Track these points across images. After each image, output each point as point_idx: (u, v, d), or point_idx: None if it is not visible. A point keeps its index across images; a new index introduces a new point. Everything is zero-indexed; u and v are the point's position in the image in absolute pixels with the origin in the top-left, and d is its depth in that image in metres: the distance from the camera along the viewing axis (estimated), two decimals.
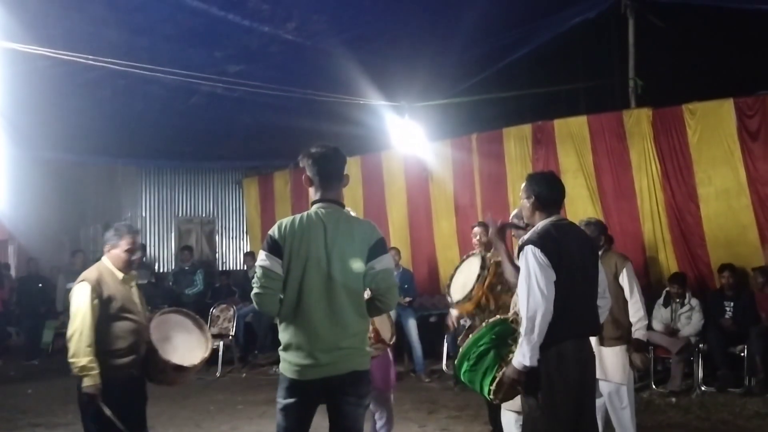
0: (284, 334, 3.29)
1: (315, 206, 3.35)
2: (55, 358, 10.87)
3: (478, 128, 10.27)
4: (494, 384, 3.57)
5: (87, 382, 4.02)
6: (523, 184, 3.77)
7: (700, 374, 7.51)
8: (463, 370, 3.75)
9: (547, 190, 3.70)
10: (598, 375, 5.18)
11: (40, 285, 11.10)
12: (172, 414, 7.29)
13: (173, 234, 13.73)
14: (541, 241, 3.50)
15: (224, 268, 13.37)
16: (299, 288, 3.20)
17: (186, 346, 4.29)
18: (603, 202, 8.87)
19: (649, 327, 7.90)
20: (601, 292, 3.72)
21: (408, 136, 9.38)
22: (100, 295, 4.10)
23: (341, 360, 3.23)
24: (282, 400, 3.28)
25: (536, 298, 3.41)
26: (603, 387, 5.23)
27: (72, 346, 4.04)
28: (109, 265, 4.27)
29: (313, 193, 3.40)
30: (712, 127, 8.00)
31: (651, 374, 7.78)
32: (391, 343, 4.66)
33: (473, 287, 4.58)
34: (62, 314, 10.71)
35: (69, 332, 4.06)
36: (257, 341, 10.46)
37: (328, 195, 3.37)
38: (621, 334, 5.21)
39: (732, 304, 7.70)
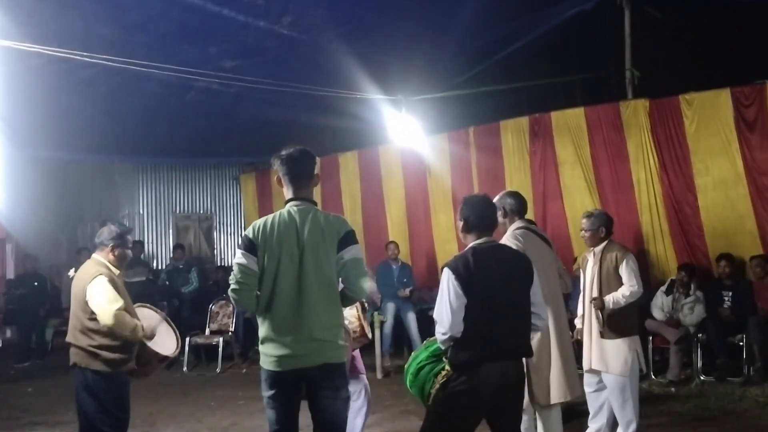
0: (261, 328, 3.49)
1: (288, 205, 3.55)
2: (55, 357, 10.88)
3: (475, 121, 10.26)
4: (431, 400, 3.73)
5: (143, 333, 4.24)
6: (459, 207, 3.87)
7: (699, 364, 7.53)
8: (407, 382, 3.95)
9: (475, 214, 3.77)
10: (599, 367, 5.19)
11: (36, 284, 11.00)
12: (173, 410, 7.30)
13: (171, 231, 13.72)
14: (455, 265, 3.61)
15: (222, 264, 13.36)
16: (273, 283, 3.40)
17: (161, 337, 4.51)
18: (601, 194, 8.87)
19: (649, 316, 7.97)
20: (534, 311, 3.73)
21: (405, 130, 9.36)
22: (117, 290, 4.24)
23: (314, 352, 3.39)
24: (265, 393, 3.47)
25: (442, 321, 3.56)
26: (606, 379, 5.24)
27: (120, 326, 4.13)
28: (105, 261, 4.41)
29: (285, 193, 3.60)
30: (709, 117, 8.00)
31: (650, 364, 7.80)
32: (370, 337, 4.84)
33: None
34: (67, 311, 10.67)
35: (108, 319, 4.10)
36: (257, 337, 10.45)
37: (300, 194, 3.56)
38: (622, 326, 5.22)
39: (730, 293, 7.72)
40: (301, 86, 7.79)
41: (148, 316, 4.58)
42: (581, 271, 5.66)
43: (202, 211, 14.06)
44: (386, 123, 9.30)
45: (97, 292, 4.15)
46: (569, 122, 9.09)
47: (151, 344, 4.33)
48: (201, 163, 13.56)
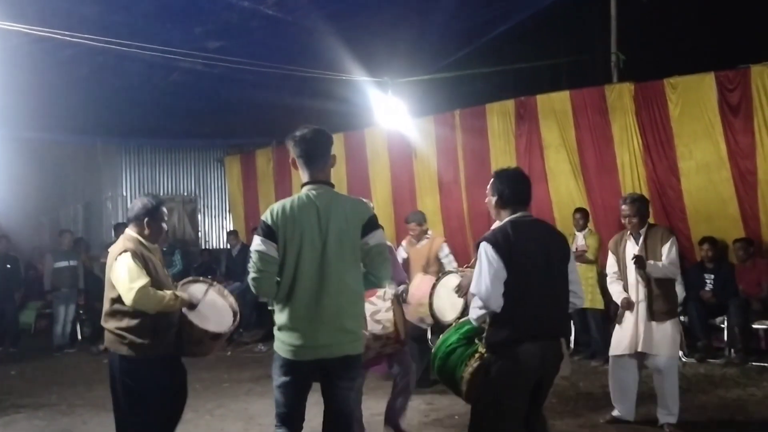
0: (280, 315, 3.34)
1: (305, 188, 3.39)
2: (39, 340, 10.83)
3: (461, 104, 10.25)
4: (464, 384, 3.63)
5: (179, 304, 3.97)
6: (490, 182, 3.74)
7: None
8: (435, 367, 3.83)
9: (509, 189, 3.67)
10: (649, 350, 5.24)
11: (8, 266, 10.57)
12: None
13: None
14: (494, 239, 3.50)
15: (207, 247, 13.31)
16: (294, 270, 3.26)
17: (213, 312, 4.17)
18: (585, 177, 8.92)
19: None
20: (572, 289, 3.64)
21: (391, 113, 9.33)
22: (146, 266, 3.96)
23: (335, 343, 3.29)
24: (277, 378, 3.36)
25: (480, 292, 3.44)
26: (657, 362, 5.29)
27: (144, 303, 3.84)
28: (136, 236, 4.11)
29: (301, 176, 3.44)
30: (693, 101, 8.04)
31: None
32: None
33: (465, 303, 4.59)
34: (49, 293, 10.62)
35: (130, 299, 3.82)
36: (242, 319, 10.42)
37: (317, 176, 3.40)
38: (670, 308, 5.34)
39: (712, 276, 7.81)
40: (286, 67, 7.72)
41: (193, 291, 4.20)
42: (613, 254, 5.63)
43: (186, 193, 13.98)
44: (372, 105, 9.26)
45: (120, 270, 3.89)
46: (554, 105, 9.11)
47: (198, 322, 3.99)
48: (185, 145, 13.47)
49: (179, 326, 4.02)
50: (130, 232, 4.12)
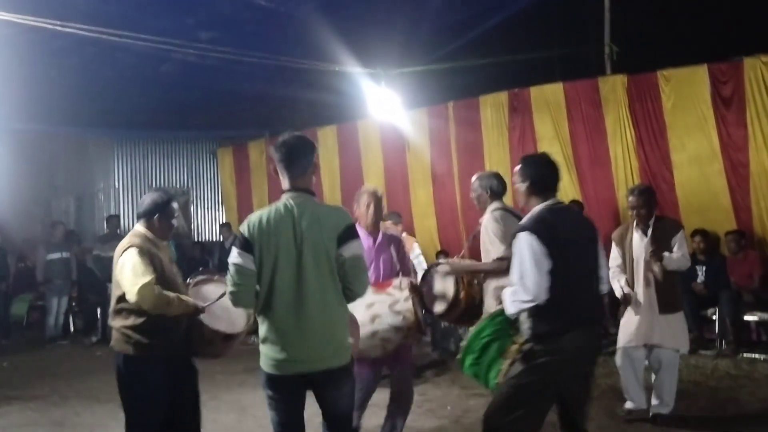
0: (261, 327, 3.29)
1: (284, 196, 3.34)
2: (31, 332, 10.80)
3: (454, 96, 10.23)
4: (500, 376, 3.50)
5: (184, 309, 3.78)
6: (517, 168, 3.63)
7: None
8: (467, 363, 3.68)
9: (542, 174, 3.58)
10: (662, 342, 5.20)
11: None
12: None
13: None
14: (535, 227, 3.40)
15: (200, 239, 13.28)
16: (270, 283, 3.20)
17: (226, 312, 3.95)
18: (578, 170, 8.93)
19: None
20: (603, 277, 3.61)
21: (384, 104, 9.31)
22: (152, 262, 3.82)
23: (317, 357, 3.21)
24: (265, 392, 3.30)
25: (527, 286, 3.34)
26: (662, 354, 5.26)
27: (148, 302, 3.67)
28: (146, 232, 3.97)
29: (282, 182, 3.39)
30: (686, 93, 8.04)
31: None
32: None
33: (456, 293, 4.54)
34: (42, 285, 10.58)
35: (133, 296, 3.66)
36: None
37: (296, 183, 3.35)
38: (677, 300, 5.34)
39: (704, 268, 7.83)
40: (279, 59, 7.70)
41: (206, 293, 4.04)
42: (617, 246, 5.50)
43: (178, 186, 13.92)
44: (365, 97, 9.24)
45: (125, 266, 3.75)
46: (548, 97, 9.11)
47: (209, 322, 3.84)
48: (177, 137, 13.42)
49: (189, 326, 3.89)
50: (139, 227, 4.01)
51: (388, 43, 8.41)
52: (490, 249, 4.56)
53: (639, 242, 5.29)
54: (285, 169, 3.37)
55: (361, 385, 4.48)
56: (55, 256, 10.36)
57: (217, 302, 3.84)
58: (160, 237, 4.02)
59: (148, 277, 3.69)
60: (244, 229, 3.27)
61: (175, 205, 4.11)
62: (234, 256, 3.23)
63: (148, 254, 3.81)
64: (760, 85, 7.60)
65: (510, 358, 3.48)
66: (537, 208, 3.54)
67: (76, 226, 13.15)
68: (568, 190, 8.94)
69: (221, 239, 12.02)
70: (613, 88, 8.55)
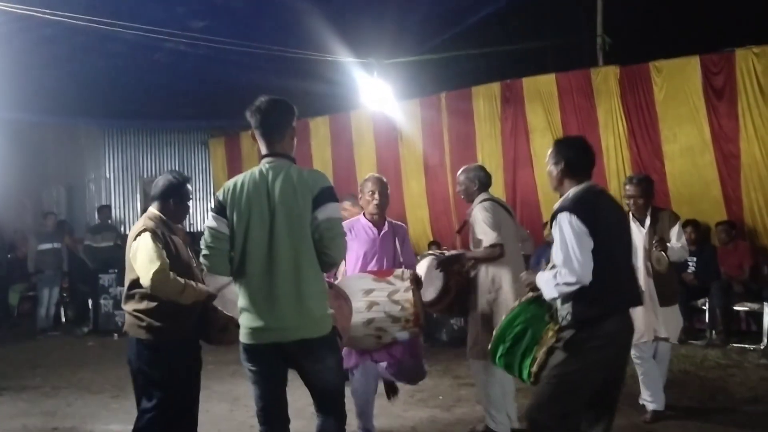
0: (239, 298, 3.22)
1: (261, 162, 3.25)
2: (22, 321, 10.76)
3: (446, 87, 10.23)
4: (535, 365, 3.37)
5: (196, 296, 3.72)
6: (550, 150, 3.56)
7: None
8: (498, 354, 3.53)
9: (578, 156, 3.48)
10: (667, 335, 5.14)
11: None
12: None
13: (139, 195, 13.53)
14: (576, 207, 3.29)
15: (191, 230, 13.24)
16: (243, 247, 3.12)
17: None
18: None
19: None
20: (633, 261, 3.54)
21: (377, 95, 9.29)
22: (166, 246, 3.75)
23: (289, 326, 3.10)
24: (244, 365, 3.23)
25: (572, 267, 3.21)
26: (661, 346, 5.20)
27: (161, 289, 3.60)
28: (160, 216, 3.89)
29: (260, 148, 3.30)
30: (678, 84, 8.07)
31: None
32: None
33: (445, 281, 4.55)
34: (33, 276, 10.54)
35: (147, 281, 3.59)
36: None
37: (274, 149, 3.23)
38: (675, 291, 5.31)
39: (695, 259, 7.87)
40: (271, 48, 7.65)
41: (221, 278, 3.86)
42: None
43: None
44: (358, 87, 9.21)
45: (139, 250, 3.66)
46: (540, 88, 9.11)
47: (222, 308, 3.78)
48: (169, 127, 13.35)
49: (204, 311, 3.84)
50: (153, 210, 3.91)
51: (380, 33, 8.38)
52: (482, 238, 4.60)
53: (637, 233, 5.08)
54: (262, 135, 3.26)
55: (360, 384, 4.43)
56: (46, 246, 10.31)
57: (231, 288, 3.69)
58: (174, 220, 3.95)
59: (161, 263, 3.61)
60: (219, 193, 3.23)
61: (189, 187, 4.03)
62: (209, 220, 3.19)
63: (162, 238, 3.73)
64: (751, 77, 7.63)
65: (546, 346, 3.34)
66: (573, 189, 3.42)
67: (66, 216, 13.09)
68: None
69: None
70: (606, 79, 8.57)
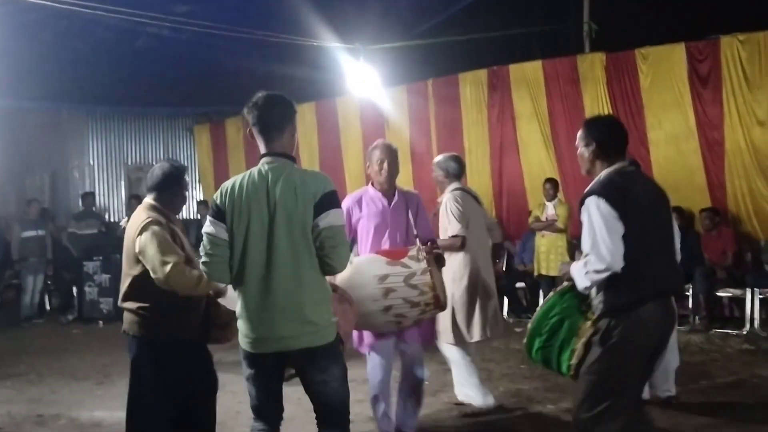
0: (238, 303, 3.08)
1: (260, 162, 3.09)
2: (5, 310, 10.67)
3: (433, 73, 10.20)
4: (574, 358, 3.21)
5: (210, 288, 3.55)
6: (580, 132, 3.40)
7: None
8: (534, 348, 3.35)
9: (610, 136, 3.33)
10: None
11: None
12: (128, 362, 7.21)
13: (123, 182, 13.43)
14: (605, 191, 3.13)
15: (177, 217, 13.18)
16: (243, 254, 2.98)
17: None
18: (556, 148, 8.97)
19: None
20: (677, 246, 3.39)
21: (364, 81, 9.25)
22: (172, 238, 3.58)
23: (291, 335, 2.97)
24: (244, 370, 3.12)
25: (601, 254, 3.05)
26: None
27: (179, 283, 3.44)
28: (158, 205, 3.71)
29: (259, 147, 3.13)
30: (664, 71, 8.10)
31: None
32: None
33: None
34: (17, 263, 10.45)
35: (163, 275, 3.42)
36: None
37: (273, 148, 3.08)
38: None
39: (679, 245, 7.90)
40: (257, 33, 7.59)
41: None
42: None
43: (155, 163, 13.66)
44: (344, 73, 9.17)
45: (148, 244, 3.48)
46: (527, 75, 9.12)
47: (225, 303, 3.62)
48: (153, 114, 13.24)
49: (206, 307, 3.70)
50: (150, 201, 3.72)
51: (367, 18, 8.33)
52: (448, 227, 4.68)
53: None
54: (259, 132, 3.09)
55: (377, 362, 4.22)
56: (30, 233, 10.22)
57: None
58: (172, 211, 3.76)
59: (177, 257, 3.48)
60: (216, 196, 3.06)
61: (187, 178, 3.92)
62: (207, 225, 3.03)
63: (168, 230, 3.59)
64: (736, 64, 7.68)
65: (584, 337, 3.19)
66: (604, 172, 3.26)
67: (50, 203, 12.98)
68: (545, 167, 8.99)
69: (198, 217, 11.94)
70: (592, 66, 8.58)
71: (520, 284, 8.98)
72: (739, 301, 7.65)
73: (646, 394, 4.84)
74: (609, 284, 3.10)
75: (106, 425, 5.15)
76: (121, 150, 13.49)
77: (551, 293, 3.46)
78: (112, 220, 12.81)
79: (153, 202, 3.72)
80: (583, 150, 3.36)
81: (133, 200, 11.33)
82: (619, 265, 3.05)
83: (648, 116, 8.25)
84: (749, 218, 7.81)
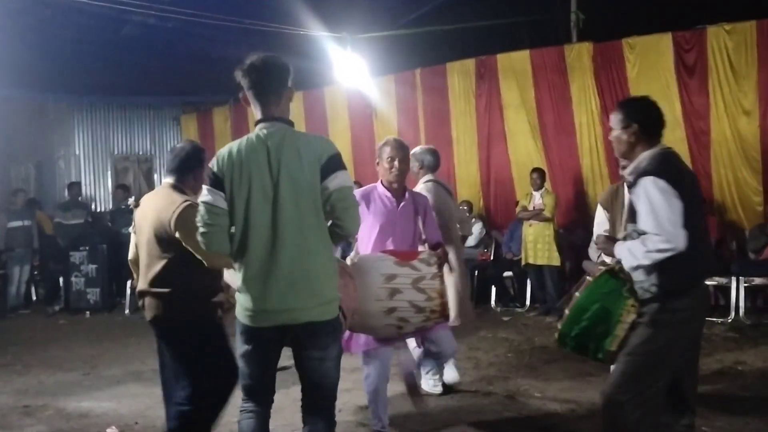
0: (238, 276, 2.94)
1: (257, 127, 2.93)
2: None
3: (421, 63, 10.18)
4: (615, 344, 3.10)
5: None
6: (616, 114, 3.28)
7: None
8: (573, 333, 3.20)
9: (651, 116, 3.22)
10: None
11: None
12: (116, 353, 7.23)
13: (109, 172, 13.35)
14: (662, 170, 3.02)
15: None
16: (245, 223, 2.83)
17: None
18: (543, 138, 8.99)
19: (587, 257, 8.20)
20: None
21: (351, 71, 9.22)
22: None
23: (296, 308, 2.84)
24: (239, 346, 2.97)
25: (667, 233, 2.93)
26: None
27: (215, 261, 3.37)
28: (182, 186, 3.64)
29: (254, 112, 2.97)
30: (651, 61, 8.12)
31: None
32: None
33: None
34: (3, 254, 10.38)
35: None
36: None
37: (270, 112, 2.91)
38: None
39: None
40: (244, 21, 7.54)
41: None
42: (605, 210, 4.90)
43: (141, 153, 13.69)
44: (332, 62, 9.13)
45: (190, 223, 3.23)
46: (515, 65, 9.11)
47: (233, 284, 3.52)
48: (139, 103, 13.14)
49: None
50: (174, 182, 3.65)
51: (354, 7, 8.29)
52: None
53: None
54: (255, 97, 2.92)
55: (373, 369, 4.05)
56: (16, 224, 10.18)
57: None
58: (193, 192, 3.59)
59: None
60: (213, 163, 2.90)
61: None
62: (204, 194, 2.89)
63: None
64: (722, 54, 7.71)
65: (627, 322, 3.08)
66: (648, 153, 3.15)
67: (36, 193, 12.89)
68: (533, 157, 9.01)
69: None
70: (579, 55, 8.59)
71: (507, 273, 9.01)
72: (725, 290, 7.69)
73: None
74: (664, 266, 3.00)
75: (94, 415, 5.14)
76: (108, 140, 13.39)
77: (588, 279, 3.29)
78: (98, 210, 12.74)
79: (177, 184, 3.65)
80: (620, 133, 3.23)
81: (120, 190, 11.32)
82: (683, 245, 2.94)
83: None
84: (734, 207, 7.88)
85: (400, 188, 4.15)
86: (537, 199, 8.22)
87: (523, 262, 8.39)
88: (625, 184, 4.79)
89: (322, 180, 2.83)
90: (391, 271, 3.70)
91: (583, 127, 8.63)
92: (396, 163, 4.08)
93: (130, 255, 3.85)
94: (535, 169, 8.43)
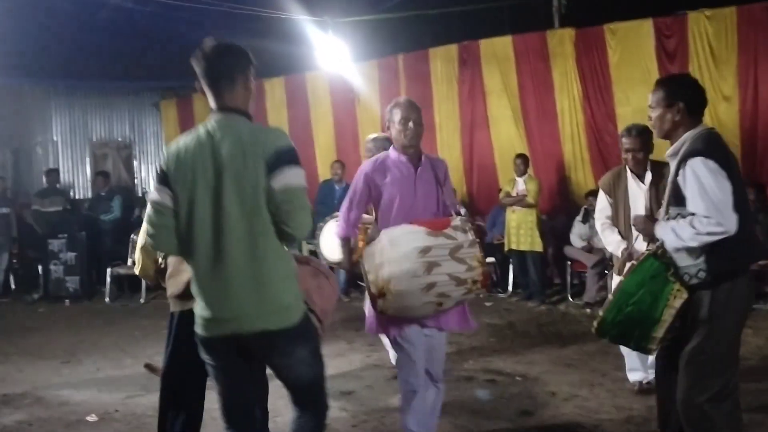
0: (191, 280, 2.73)
1: (208, 119, 2.73)
2: None
3: (404, 48, 10.13)
4: (660, 330, 2.99)
5: None
6: (657, 92, 3.14)
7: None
8: (616, 320, 3.06)
9: (696, 94, 3.09)
10: None
11: None
12: (95, 341, 7.17)
13: (88, 159, 13.18)
14: (711, 150, 2.91)
15: (144, 193, 12.99)
16: (188, 223, 2.61)
17: None
18: (526, 123, 9.00)
19: (568, 243, 8.25)
20: None
21: (333, 55, 9.14)
22: None
23: (243, 315, 2.59)
24: (202, 357, 2.75)
25: (720, 215, 2.83)
26: None
27: None
28: None
29: (209, 102, 2.76)
30: (632, 47, 8.15)
31: (568, 287, 8.16)
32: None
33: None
34: None
35: None
36: None
37: (223, 102, 2.69)
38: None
39: None
40: (223, 4, 7.43)
41: None
42: (607, 195, 4.79)
43: (120, 139, 13.52)
44: (314, 47, 9.05)
45: None
46: (497, 51, 9.10)
47: None
48: (118, 88, 12.94)
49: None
50: None
51: None
52: None
53: (637, 190, 4.58)
54: (208, 85, 2.71)
55: (410, 352, 3.58)
56: None
57: None
58: None
59: None
60: (162, 159, 2.73)
61: None
62: (151, 192, 2.70)
63: None
64: (703, 40, 7.75)
65: (675, 306, 2.97)
66: (692, 133, 3.04)
67: (13, 181, 12.70)
68: (515, 143, 9.02)
69: None
70: (561, 41, 8.59)
71: (490, 259, 9.02)
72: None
73: (650, 376, 4.63)
74: (712, 249, 2.89)
75: (73, 403, 5.10)
76: (86, 126, 13.18)
77: (633, 263, 3.16)
78: (76, 197, 12.59)
79: None
80: (662, 112, 3.10)
81: (99, 177, 11.19)
82: (735, 228, 2.85)
83: (616, 92, 8.30)
84: None
85: (416, 152, 3.71)
86: (520, 185, 8.23)
87: (506, 248, 8.41)
88: (627, 168, 4.67)
89: (266, 176, 2.55)
90: (425, 243, 3.35)
91: (565, 113, 8.65)
92: (410, 124, 3.66)
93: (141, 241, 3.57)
94: (519, 155, 8.43)
